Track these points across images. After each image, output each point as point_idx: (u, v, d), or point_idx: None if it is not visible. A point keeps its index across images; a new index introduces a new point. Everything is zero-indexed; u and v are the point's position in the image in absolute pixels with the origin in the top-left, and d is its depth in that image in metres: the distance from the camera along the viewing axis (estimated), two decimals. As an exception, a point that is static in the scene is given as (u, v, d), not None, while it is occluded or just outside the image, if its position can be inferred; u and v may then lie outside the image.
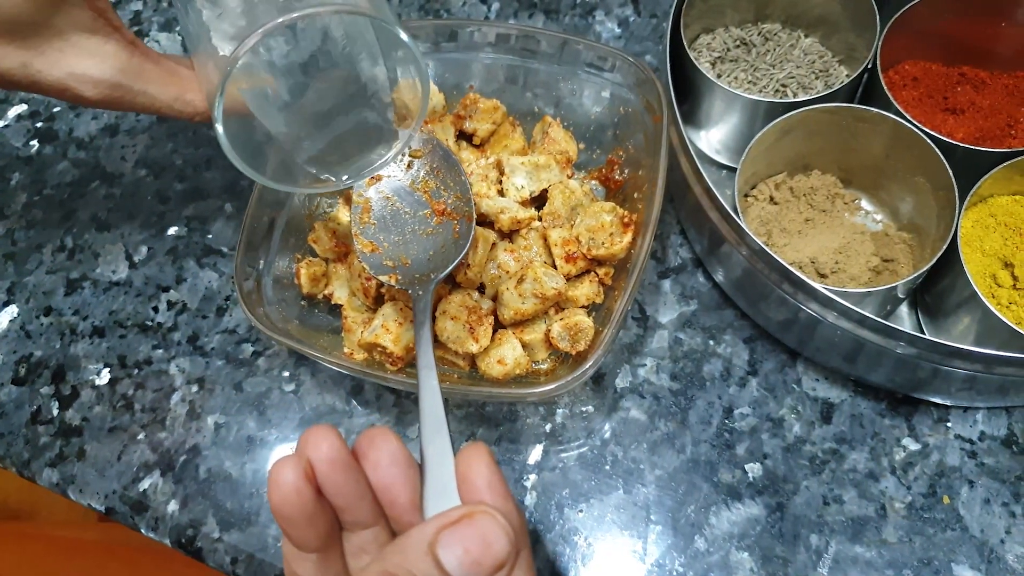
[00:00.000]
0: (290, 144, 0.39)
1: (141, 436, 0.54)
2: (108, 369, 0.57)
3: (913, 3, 0.52)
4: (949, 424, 0.50)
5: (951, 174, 0.47)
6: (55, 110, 0.68)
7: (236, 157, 0.36)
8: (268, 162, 0.39)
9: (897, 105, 0.49)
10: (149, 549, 0.59)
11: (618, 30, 0.66)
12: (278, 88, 0.38)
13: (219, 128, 0.35)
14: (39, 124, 0.67)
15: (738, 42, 0.59)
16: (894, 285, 0.46)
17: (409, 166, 0.45)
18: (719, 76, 0.58)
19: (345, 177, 0.41)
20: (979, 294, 0.45)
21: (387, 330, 0.48)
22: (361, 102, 0.40)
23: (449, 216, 0.45)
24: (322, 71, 0.38)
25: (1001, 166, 0.47)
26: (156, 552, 0.60)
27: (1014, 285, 0.49)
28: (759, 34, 0.59)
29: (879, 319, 0.44)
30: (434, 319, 0.50)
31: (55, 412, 0.55)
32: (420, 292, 0.42)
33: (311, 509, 0.28)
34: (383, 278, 0.43)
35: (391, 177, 0.45)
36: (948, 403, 0.50)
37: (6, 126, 0.67)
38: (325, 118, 0.40)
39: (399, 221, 0.44)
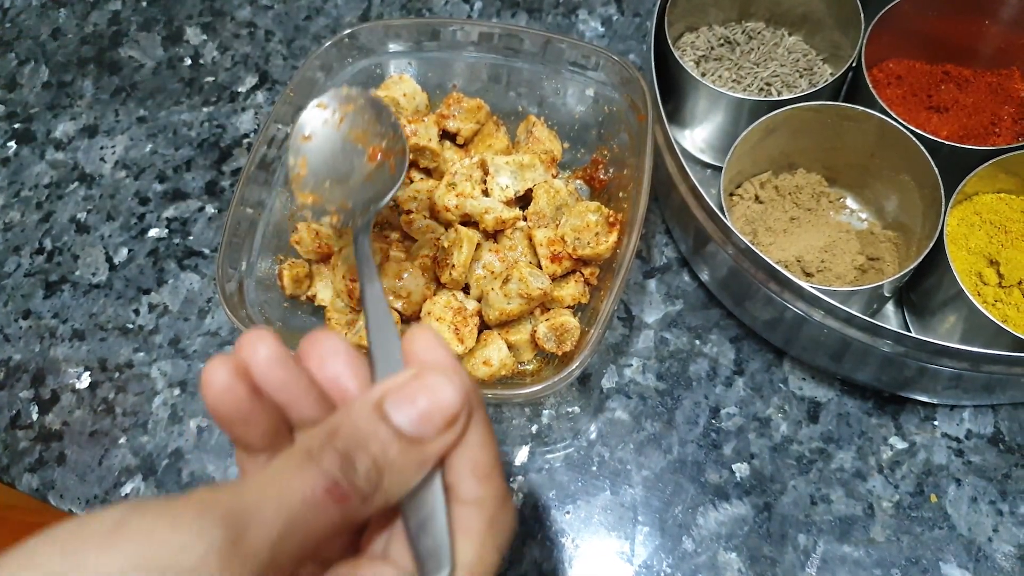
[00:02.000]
0: None
1: (122, 440, 0.53)
2: (88, 373, 0.56)
3: (897, 1, 0.51)
4: (936, 423, 0.50)
5: (937, 172, 0.47)
6: (32, 111, 0.67)
7: None
8: None
9: (882, 103, 0.49)
10: (36, 512, 0.58)
11: (601, 29, 0.66)
12: None
13: None
14: (16, 125, 0.66)
15: (722, 40, 0.59)
16: (880, 284, 0.46)
17: (341, 121, 0.45)
18: (703, 75, 0.58)
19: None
20: (965, 292, 0.45)
21: (371, 332, 0.47)
22: None
23: (384, 155, 0.45)
24: None
25: (986, 164, 0.47)
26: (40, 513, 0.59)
27: (999, 283, 0.49)
28: (743, 32, 0.59)
29: (865, 317, 0.44)
30: (418, 318, 0.50)
31: (35, 416, 0.55)
32: (359, 222, 0.42)
33: (247, 407, 0.27)
34: (323, 220, 0.43)
35: (325, 134, 0.45)
36: (935, 401, 0.50)
37: (-17, 127, 0.66)
38: None
39: (336, 171, 0.44)
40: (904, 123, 0.48)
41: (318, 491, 0.24)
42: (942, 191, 0.46)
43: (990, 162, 0.47)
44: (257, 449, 0.28)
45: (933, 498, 0.48)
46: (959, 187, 0.47)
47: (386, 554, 0.27)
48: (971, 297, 0.45)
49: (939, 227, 0.46)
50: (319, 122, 0.44)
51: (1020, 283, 0.48)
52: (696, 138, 0.58)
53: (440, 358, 0.28)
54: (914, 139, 0.48)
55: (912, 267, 0.46)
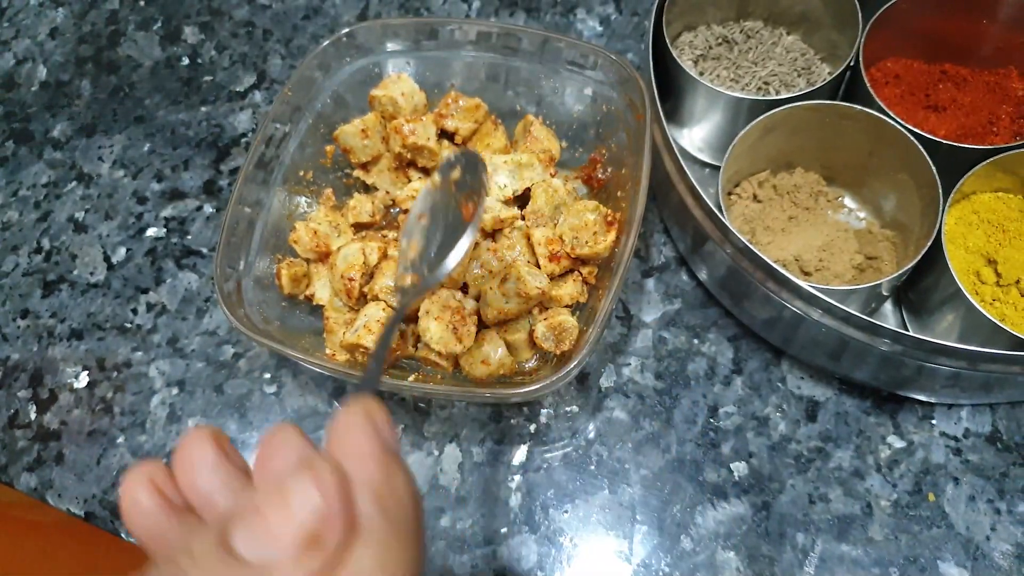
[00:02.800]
0: None
1: (120, 440, 0.53)
2: (87, 372, 0.56)
3: (894, 1, 0.51)
4: (934, 421, 0.50)
5: (935, 171, 0.47)
6: (30, 111, 0.67)
7: None
8: None
9: (880, 102, 0.49)
10: (34, 508, 0.58)
11: (599, 28, 0.66)
12: None
13: None
14: (14, 125, 0.66)
15: (720, 40, 0.59)
16: (878, 282, 0.46)
17: (451, 189, 0.44)
18: (701, 74, 0.58)
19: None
20: (963, 291, 0.45)
21: (369, 331, 0.47)
22: None
23: (470, 213, 0.43)
24: None
25: (984, 163, 0.47)
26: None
27: (997, 282, 0.49)
28: (741, 32, 0.59)
29: (863, 316, 0.44)
30: (416, 319, 0.49)
31: (33, 416, 0.55)
32: (425, 273, 0.41)
33: (161, 525, 0.24)
34: (407, 278, 0.42)
35: (436, 209, 0.44)
36: (933, 400, 0.50)
37: (-19, 127, 0.66)
38: None
39: (435, 241, 0.43)
40: (902, 122, 0.48)
41: None
42: (940, 190, 0.46)
43: (987, 161, 0.47)
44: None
45: (931, 497, 0.48)
46: (957, 186, 0.47)
47: None
48: (969, 296, 0.45)
49: (937, 226, 0.46)
50: (431, 200, 0.43)
51: (1018, 282, 0.48)
52: (694, 137, 0.58)
53: (349, 442, 0.23)
54: (912, 138, 0.48)
55: (911, 266, 0.46)
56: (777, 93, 0.56)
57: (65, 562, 0.62)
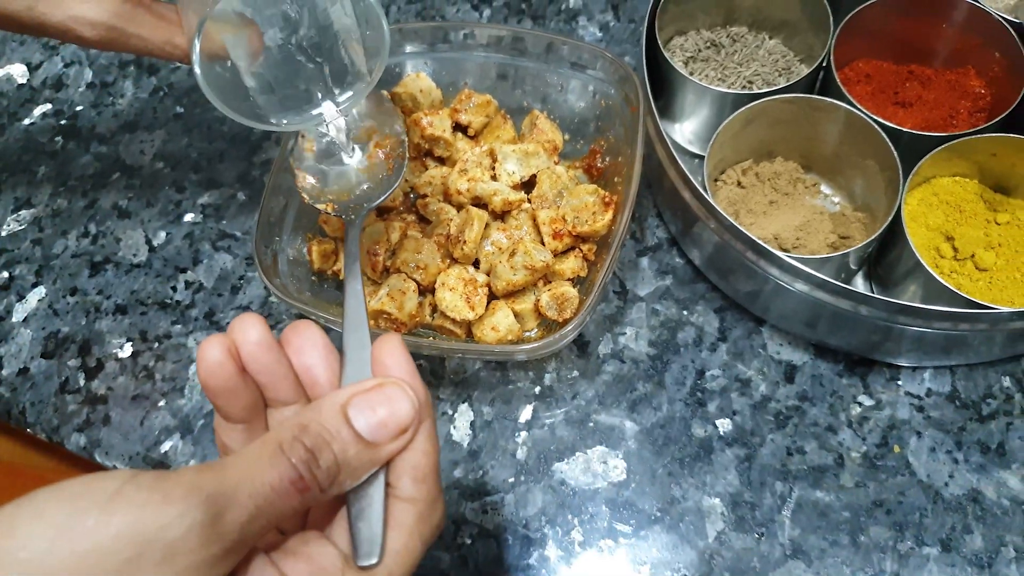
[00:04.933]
0: (263, 87, 0.43)
1: (162, 403, 0.59)
2: (130, 343, 0.61)
3: (862, 6, 0.57)
4: (900, 382, 0.56)
5: (896, 156, 0.53)
6: (78, 108, 0.73)
7: (212, 95, 0.40)
8: (247, 102, 0.43)
9: (848, 96, 0.55)
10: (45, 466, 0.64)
11: (599, 34, 0.72)
12: (252, 34, 0.42)
13: (197, 69, 0.39)
14: (63, 122, 0.72)
15: (708, 43, 0.65)
16: (846, 252, 0.52)
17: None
18: (691, 73, 0.64)
19: (315, 111, 0.45)
20: (922, 263, 0.51)
21: (392, 298, 0.53)
22: (330, 48, 0.44)
23: (385, 155, 0.49)
24: (294, 19, 0.42)
25: (939, 148, 0.53)
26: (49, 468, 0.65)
27: (955, 256, 0.54)
28: (727, 36, 0.65)
29: (835, 282, 0.49)
30: (433, 290, 0.55)
31: (82, 383, 0.60)
32: (353, 217, 0.46)
33: (234, 383, 0.31)
34: (320, 206, 0.47)
35: (333, 122, 0.48)
36: (899, 363, 0.56)
37: (32, 124, 0.72)
38: (295, 64, 0.44)
39: (338, 159, 0.49)
40: (867, 112, 0.54)
41: (285, 482, 0.28)
42: (900, 173, 0.52)
43: (942, 147, 0.53)
44: (235, 420, 0.33)
45: (896, 449, 0.53)
46: (915, 169, 0.53)
47: (328, 534, 0.31)
48: (927, 267, 0.50)
49: (897, 205, 0.52)
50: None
51: (972, 256, 0.53)
52: (685, 130, 0.64)
53: (402, 369, 0.32)
54: (876, 127, 0.53)
55: (874, 237, 0.51)
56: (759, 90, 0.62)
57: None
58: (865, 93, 0.61)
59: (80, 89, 0.74)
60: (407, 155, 0.50)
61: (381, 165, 0.49)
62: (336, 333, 0.58)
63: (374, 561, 0.30)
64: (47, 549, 0.24)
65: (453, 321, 0.54)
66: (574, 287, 0.55)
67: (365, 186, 0.48)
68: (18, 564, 0.23)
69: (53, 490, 0.25)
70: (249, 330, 0.32)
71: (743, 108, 0.55)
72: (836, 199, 0.60)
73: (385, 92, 0.59)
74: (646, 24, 0.60)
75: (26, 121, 0.72)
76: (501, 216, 0.58)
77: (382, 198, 0.48)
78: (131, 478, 0.25)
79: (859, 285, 0.59)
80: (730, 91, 0.59)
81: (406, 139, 0.50)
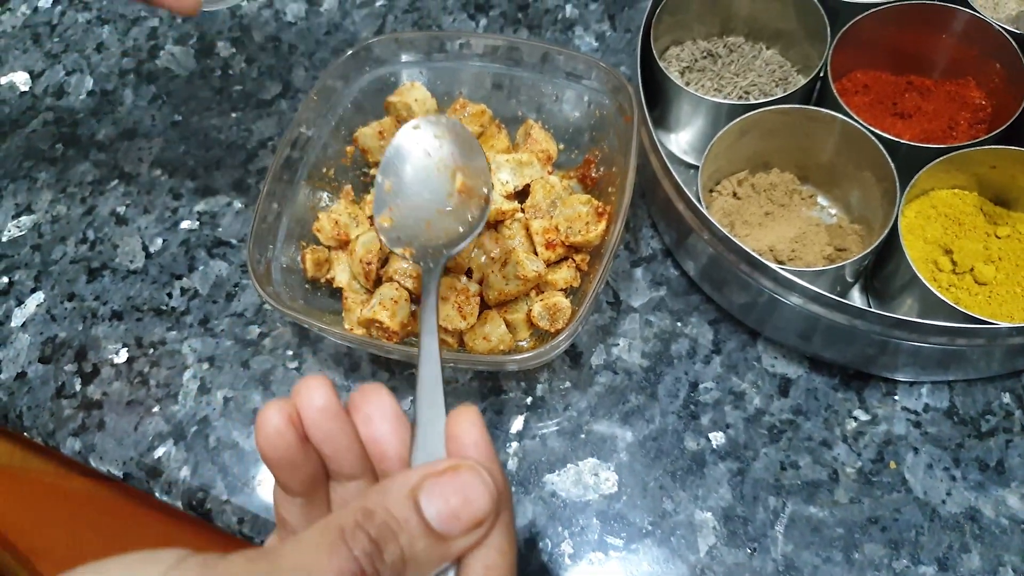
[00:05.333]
0: None
1: (156, 409, 0.59)
2: (126, 349, 0.61)
3: (859, 17, 0.57)
4: (896, 397, 0.55)
5: (892, 167, 0.52)
6: (78, 116, 0.73)
7: None
8: None
9: (845, 107, 0.54)
10: (128, 498, 0.64)
11: (595, 44, 0.72)
12: None
13: None
14: (64, 129, 0.73)
15: (705, 54, 0.64)
16: (842, 265, 0.51)
17: (438, 146, 0.45)
18: (687, 84, 0.63)
19: None
20: (919, 276, 0.50)
21: (384, 307, 0.53)
22: None
23: (469, 194, 0.45)
24: None
25: (937, 160, 0.52)
26: (134, 499, 0.65)
27: (953, 270, 0.53)
28: (724, 46, 0.64)
29: (831, 295, 0.49)
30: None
31: (78, 387, 0.60)
32: (431, 265, 0.43)
33: (294, 453, 0.29)
34: (397, 250, 0.44)
35: (419, 157, 0.46)
36: (896, 378, 0.55)
37: (33, 131, 0.73)
38: None
39: (421, 197, 0.45)
40: (863, 123, 0.53)
41: (346, 574, 0.25)
42: (897, 185, 0.52)
43: (939, 159, 0.52)
44: (294, 493, 0.30)
45: (892, 465, 0.53)
46: (912, 181, 0.52)
47: None
48: (924, 280, 0.50)
49: (894, 217, 0.51)
50: (414, 143, 0.45)
51: (971, 269, 0.53)
52: (681, 141, 0.64)
53: (479, 450, 0.29)
54: (872, 138, 0.53)
55: (870, 250, 0.51)
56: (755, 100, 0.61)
57: (87, 527, 0.68)
58: (863, 104, 0.60)
59: (81, 97, 0.74)
60: (491, 198, 0.46)
61: (465, 207, 0.45)
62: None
63: None
64: None
65: (445, 330, 0.54)
66: (567, 297, 0.55)
67: (447, 228, 0.44)
68: None
69: (98, 569, 0.24)
70: (314, 395, 0.29)
71: (738, 119, 0.55)
72: (833, 211, 0.60)
73: (471, 130, 0.56)
74: (641, 34, 0.60)
75: (28, 128, 0.73)
76: (495, 226, 0.58)
77: (464, 243, 0.44)
78: (178, 562, 0.24)
79: (856, 298, 0.58)
80: (725, 101, 0.58)
81: (491, 180, 0.46)
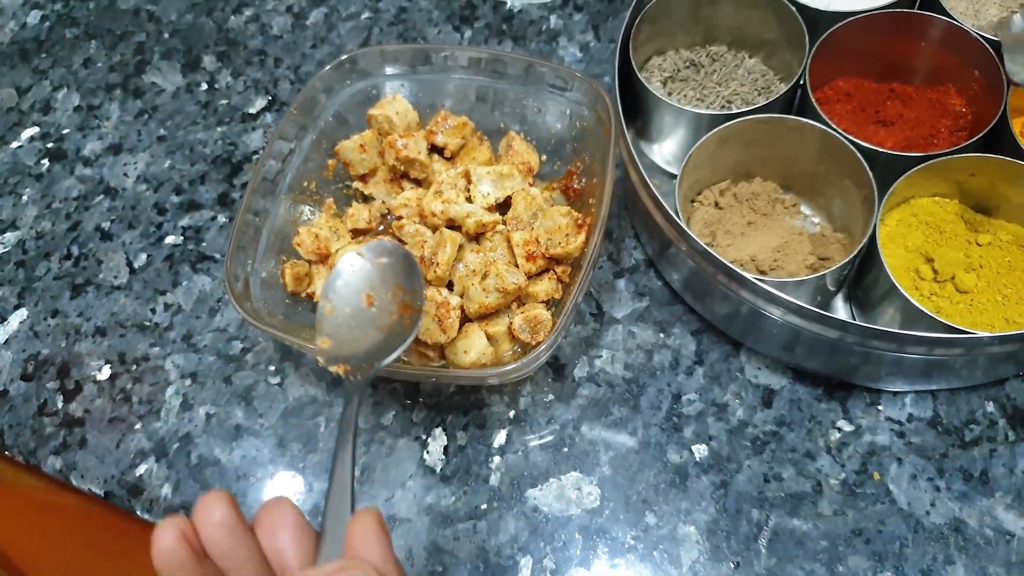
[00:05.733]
0: None
1: (138, 426, 0.59)
2: (109, 365, 0.61)
3: (838, 25, 0.57)
4: (880, 407, 0.54)
5: (871, 176, 0.52)
6: (64, 132, 0.73)
7: None
8: None
9: (823, 115, 0.54)
10: (122, 513, 0.63)
11: (579, 54, 0.72)
12: None
13: None
14: (50, 145, 0.73)
15: (688, 63, 0.64)
16: (822, 274, 0.51)
17: (373, 271, 0.48)
18: (670, 94, 0.63)
19: None
20: (897, 286, 0.50)
21: (361, 322, 0.53)
22: None
23: (408, 312, 0.48)
24: None
25: (916, 168, 0.52)
26: (128, 515, 0.64)
27: (935, 278, 0.53)
28: (707, 56, 0.64)
29: (812, 307, 0.48)
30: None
31: (60, 405, 0.60)
32: (358, 377, 0.44)
33: (188, 569, 0.30)
34: (332, 368, 0.46)
35: (356, 282, 0.48)
36: (879, 388, 0.54)
37: (20, 147, 0.73)
38: None
39: (358, 319, 0.47)
40: (842, 132, 0.53)
41: None
42: (875, 193, 0.51)
43: (918, 167, 0.52)
44: None
45: (876, 476, 0.52)
46: (891, 189, 0.52)
47: None
48: (903, 290, 0.49)
49: (872, 226, 0.51)
50: (352, 269, 0.48)
51: (952, 278, 0.52)
52: (664, 151, 0.63)
53: (372, 551, 0.30)
54: (851, 147, 0.53)
55: (849, 259, 0.51)
56: (738, 109, 0.61)
57: (81, 542, 0.68)
58: (845, 112, 0.60)
59: (67, 112, 0.74)
60: (423, 311, 0.48)
61: (399, 322, 0.47)
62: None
63: None
64: None
65: (425, 344, 0.54)
66: (549, 309, 0.55)
67: (381, 343, 0.46)
68: None
69: None
70: (213, 510, 0.30)
71: (716, 129, 0.54)
72: (816, 219, 0.60)
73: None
74: (619, 45, 0.60)
75: (14, 144, 0.73)
76: (476, 238, 0.58)
77: (395, 354, 0.45)
78: None
79: (839, 307, 0.58)
80: (704, 111, 0.58)
81: (424, 296, 0.49)
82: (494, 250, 0.57)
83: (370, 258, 0.49)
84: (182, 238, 0.66)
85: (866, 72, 0.61)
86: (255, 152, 0.70)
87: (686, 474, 0.53)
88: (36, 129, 0.74)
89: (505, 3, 0.75)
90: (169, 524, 0.30)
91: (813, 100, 0.55)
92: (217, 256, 0.65)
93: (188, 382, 0.60)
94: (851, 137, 0.53)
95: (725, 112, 0.57)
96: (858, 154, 0.52)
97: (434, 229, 0.58)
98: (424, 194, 0.59)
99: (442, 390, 0.57)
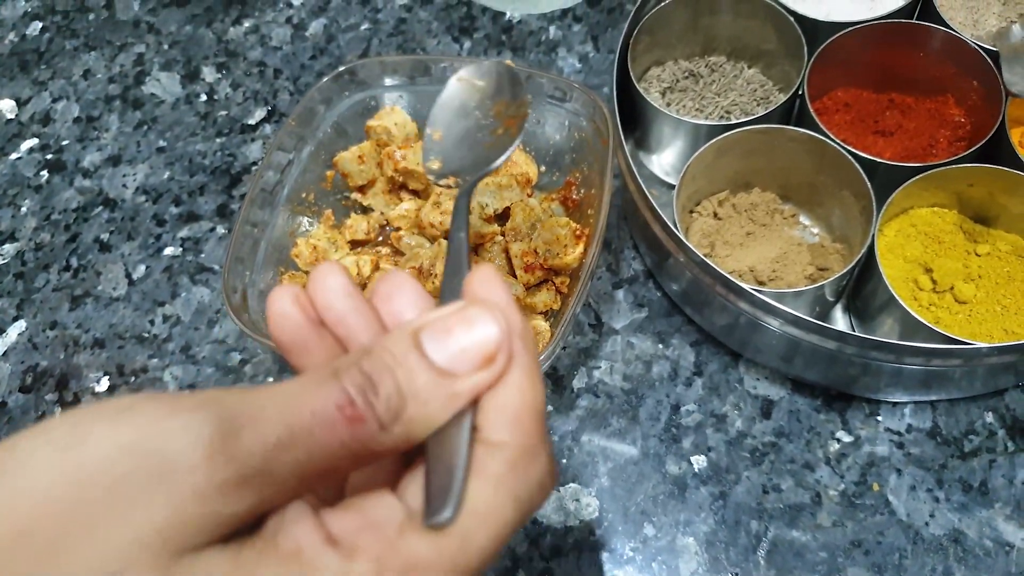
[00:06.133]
0: None
1: (136, 438, 0.58)
2: (107, 377, 0.61)
3: (836, 36, 0.57)
4: (879, 418, 0.54)
5: (869, 186, 0.52)
6: (63, 143, 0.73)
7: None
8: None
9: (821, 126, 0.54)
10: None
11: (579, 65, 0.72)
12: None
13: None
14: (48, 156, 0.73)
15: (687, 73, 0.64)
16: (821, 285, 0.51)
17: (481, 94, 0.47)
18: (668, 104, 0.63)
19: None
20: (895, 296, 0.50)
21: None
22: None
23: (514, 123, 0.46)
24: None
25: (915, 178, 0.52)
26: None
27: (933, 288, 0.53)
28: (706, 66, 0.64)
29: (811, 319, 0.48)
30: None
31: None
32: (467, 179, 0.43)
33: (305, 334, 0.27)
34: (442, 182, 0.45)
35: (463, 103, 0.47)
36: (878, 398, 0.54)
37: (19, 158, 0.73)
38: None
39: (467, 140, 0.46)
40: (840, 143, 0.53)
41: (330, 406, 0.23)
42: (874, 203, 0.51)
43: (917, 177, 0.52)
44: None
45: (875, 487, 0.52)
46: (889, 199, 0.52)
47: (399, 490, 0.25)
48: (902, 301, 0.49)
49: (871, 236, 0.51)
50: (457, 95, 0.47)
51: (951, 288, 0.52)
52: (662, 162, 0.63)
53: (494, 294, 0.27)
54: (850, 157, 0.53)
55: (847, 270, 0.50)
56: (736, 120, 0.61)
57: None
58: (844, 122, 0.60)
59: (67, 124, 0.75)
60: (528, 116, 0.46)
61: (505, 134, 0.46)
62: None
63: (446, 516, 0.23)
64: (43, 464, 0.21)
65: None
66: (547, 320, 0.55)
67: (487, 155, 0.45)
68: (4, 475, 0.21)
69: (67, 411, 0.23)
70: (328, 277, 0.28)
71: (714, 139, 0.54)
72: (815, 230, 0.60)
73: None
74: (618, 55, 0.60)
75: (13, 156, 0.73)
76: (474, 249, 0.58)
77: (501, 159, 0.44)
78: (147, 396, 0.22)
79: (838, 318, 0.58)
80: (702, 122, 0.58)
81: (529, 101, 0.47)
82: (492, 261, 0.57)
83: (472, 81, 0.47)
84: (181, 249, 0.66)
85: (865, 82, 0.61)
86: (254, 163, 0.70)
87: (685, 485, 0.53)
88: (35, 140, 0.74)
89: (504, 14, 0.76)
90: (284, 289, 0.28)
91: (812, 110, 0.55)
92: (216, 267, 0.65)
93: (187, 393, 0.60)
94: (850, 147, 0.53)
95: (724, 122, 0.57)
96: (857, 164, 0.52)
97: (433, 240, 0.58)
98: (423, 205, 0.59)
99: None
